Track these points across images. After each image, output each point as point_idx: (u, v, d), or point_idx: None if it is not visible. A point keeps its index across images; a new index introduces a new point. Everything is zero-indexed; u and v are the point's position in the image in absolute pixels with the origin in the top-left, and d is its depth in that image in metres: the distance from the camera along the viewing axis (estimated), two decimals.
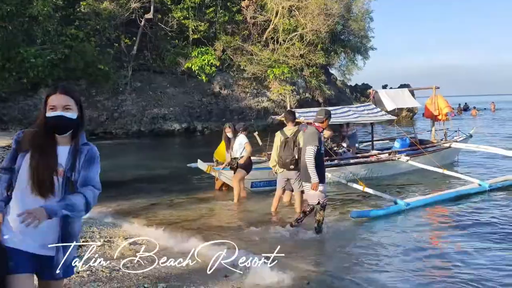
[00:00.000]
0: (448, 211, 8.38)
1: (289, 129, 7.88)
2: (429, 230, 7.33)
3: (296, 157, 7.62)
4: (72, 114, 2.56)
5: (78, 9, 24.63)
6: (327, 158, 10.84)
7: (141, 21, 26.33)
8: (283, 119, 8.12)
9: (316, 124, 6.73)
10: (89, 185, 2.61)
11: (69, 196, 2.56)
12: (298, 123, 8.70)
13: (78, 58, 22.70)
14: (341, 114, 11.90)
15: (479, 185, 9.61)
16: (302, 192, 8.45)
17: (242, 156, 9.07)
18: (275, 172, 8.13)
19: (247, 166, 9.11)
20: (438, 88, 13.78)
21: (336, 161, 10.95)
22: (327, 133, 10.90)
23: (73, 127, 2.59)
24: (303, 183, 6.91)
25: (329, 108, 13.25)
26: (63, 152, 2.57)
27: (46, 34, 22.61)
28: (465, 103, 54.85)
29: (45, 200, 2.47)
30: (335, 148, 11.74)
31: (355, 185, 9.15)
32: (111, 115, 25.26)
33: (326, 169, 10.24)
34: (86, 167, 2.62)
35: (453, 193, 9.28)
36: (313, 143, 6.48)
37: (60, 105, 2.53)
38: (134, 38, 26.51)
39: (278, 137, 7.88)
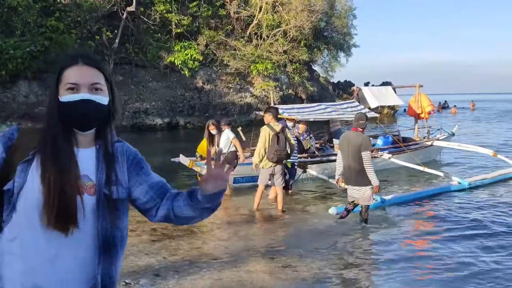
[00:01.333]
0: (426, 209, 8.47)
1: (277, 125, 7.87)
2: (407, 226, 7.37)
3: (288, 152, 7.83)
4: (103, 98, 1.62)
5: (58, 0, 24.18)
6: (307, 154, 10.88)
7: (123, 13, 25.97)
8: (266, 115, 8.02)
9: (359, 129, 6.96)
10: (167, 189, 1.79)
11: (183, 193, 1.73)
12: (279, 119, 8.70)
13: (58, 50, 22.29)
14: (323, 111, 11.95)
15: (459, 183, 9.74)
16: (285, 188, 8.48)
17: (230, 151, 9.00)
18: (262, 167, 7.95)
19: (234, 161, 9.06)
20: (422, 86, 13.90)
21: (318, 158, 10.98)
22: (302, 127, 10.90)
23: (104, 117, 1.65)
24: (354, 186, 6.97)
25: (308, 105, 13.32)
26: (85, 157, 1.61)
27: (25, 25, 22.15)
28: (445, 101, 55.65)
29: (67, 236, 1.51)
30: (316, 145, 11.77)
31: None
32: None
33: (309, 165, 10.36)
34: (144, 173, 1.77)
35: (432, 190, 9.40)
36: (369, 148, 6.80)
37: (85, 83, 1.58)
38: (116, 31, 26.13)
39: (267, 132, 7.77)
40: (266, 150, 7.76)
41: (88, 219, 1.54)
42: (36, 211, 1.49)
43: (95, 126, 1.63)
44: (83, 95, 1.57)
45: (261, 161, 7.89)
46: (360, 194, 6.93)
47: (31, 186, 1.50)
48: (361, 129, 6.94)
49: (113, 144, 1.70)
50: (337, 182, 7.35)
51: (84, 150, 1.62)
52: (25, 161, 1.53)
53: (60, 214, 1.48)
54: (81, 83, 1.58)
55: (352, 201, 7.12)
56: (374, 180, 6.74)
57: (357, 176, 6.83)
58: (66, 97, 1.56)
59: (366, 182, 6.80)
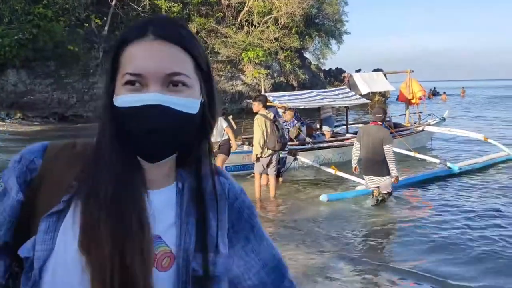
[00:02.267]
0: (417, 194, 8.54)
1: (268, 113, 7.82)
2: (398, 211, 7.43)
3: (287, 138, 8.08)
4: (189, 101, 0.85)
5: None
6: (298, 142, 10.82)
7: (112, 0, 25.65)
8: (256, 103, 7.93)
9: (379, 122, 7.29)
10: (283, 274, 1.03)
11: None
12: (269, 107, 8.69)
13: (46, 38, 22.02)
14: (314, 98, 11.93)
15: (449, 168, 9.81)
16: (277, 175, 8.48)
17: (224, 139, 8.98)
18: (261, 157, 7.77)
19: (227, 150, 9.06)
20: (413, 71, 13.90)
21: (309, 145, 10.96)
22: (289, 115, 10.77)
23: (191, 134, 0.89)
24: (373, 177, 7.25)
25: (299, 92, 13.27)
26: (157, 204, 0.87)
27: (13, 13, 21.82)
28: (434, 88, 55.84)
29: None
30: (302, 132, 11.66)
31: (327, 169, 9.29)
32: (81, 98, 24.66)
33: (299, 152, 10.36)
34: (255, 236, 1.00)
35: (422, 176, 9.46)
36: (391, 142, 7.19)
37: (156, 74, 0.83)
38: (105, 18, 25.79)
39: (262, 121, 7.64)
40: (264, 139, 7.64)
41: None
42: None
43: (172, 153, 0.90)
44: (151, 95, 0.82)
45: (262, 151, 7.75)
46: (379, 183, 7.23)
47: (63, 255, 0.80)
48: (380, 122, 7.27)
49: (208, 181, 0.93)
50: (354, 170, 7.67)
51: (155, 192, 0.89)
52: (53, 214, 0.83)
53: None
54: (149, 74, 0.83)
55: (377, 186, 7.36)
56: (394, 171, 7.08)
57: (376, 167, 7.17)
58: (122, 98, 0.84)
59: (384, 173, 7.14)
